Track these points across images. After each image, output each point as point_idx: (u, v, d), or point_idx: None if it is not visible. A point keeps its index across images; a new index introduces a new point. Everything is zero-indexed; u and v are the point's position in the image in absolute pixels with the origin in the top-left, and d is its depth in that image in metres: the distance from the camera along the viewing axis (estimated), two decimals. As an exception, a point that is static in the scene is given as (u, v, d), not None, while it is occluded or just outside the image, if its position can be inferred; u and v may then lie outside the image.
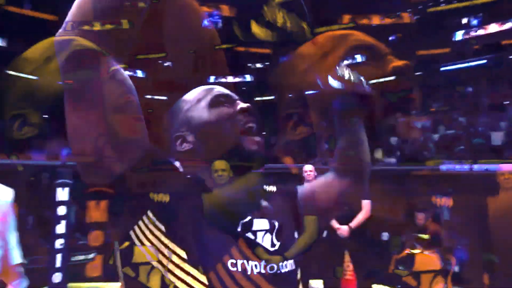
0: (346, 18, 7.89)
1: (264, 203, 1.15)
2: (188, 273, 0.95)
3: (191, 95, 1.26)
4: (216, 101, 1.22)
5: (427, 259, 3.89)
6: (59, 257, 3.24)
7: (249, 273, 0.97)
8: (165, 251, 0.98)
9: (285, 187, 1.22)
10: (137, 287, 0.96)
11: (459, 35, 8.98)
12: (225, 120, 1.19)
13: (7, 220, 2.12)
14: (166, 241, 0.99)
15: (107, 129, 1.01)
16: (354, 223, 3.24)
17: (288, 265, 1.05)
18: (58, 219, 3.21)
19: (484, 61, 8.53)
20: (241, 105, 1.21)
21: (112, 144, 1.01)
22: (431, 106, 9.00)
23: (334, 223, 3.27)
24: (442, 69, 9.81)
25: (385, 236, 5.04)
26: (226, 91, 1.28)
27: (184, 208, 1.06)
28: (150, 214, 1.01)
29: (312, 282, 3.43)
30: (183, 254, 0.97)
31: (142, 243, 0.99)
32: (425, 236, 4.01)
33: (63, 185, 3.13)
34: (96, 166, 1.01)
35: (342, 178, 1.25)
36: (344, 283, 3.33)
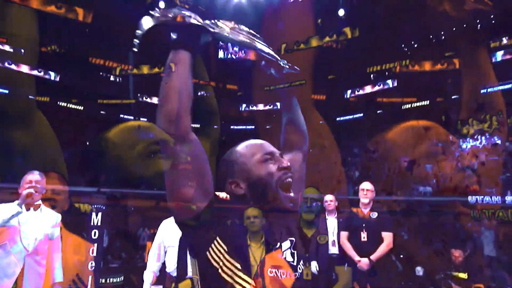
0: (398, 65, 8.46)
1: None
2: (242, 279, 1.44)
3: (245, 149, 1.71)
4: (265, 159, 1.63)
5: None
6: (90, 278, 3.42)
7: (279, 277, 1.51)
8: (227, 264, 1.45)
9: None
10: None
11: (499, 56, 8.56)
12: (270, 177, 1.60)
13: (54, 242, 2.32)
14: (227, 257, 1.45)
15: (191, 185, 1.50)
16: (375, 255, 3.10)
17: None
18: (92, 242, 3.41)
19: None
20: (283, 163, 1.64)
21: (195, 193, 1.51)
22: (470, 129, 8.52)
23: (354, 256, 3.15)
24: (482, 91, 9.34)
25: (419, 271, 4.73)
26: (272, 148, 1.73)
27: (238, 235, 1.58)
28: (218, 238, 1.49)
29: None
30: (239, 265, 1.45)
31: (214, 259, 1.47)
32: (463, 275, 3.71)
33: (96, 211, 3.34)
34: (185, 208, 1.51)
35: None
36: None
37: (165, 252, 2.69)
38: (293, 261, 1.60)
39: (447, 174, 6.33)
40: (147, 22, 1.56)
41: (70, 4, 7.38)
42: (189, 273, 2.55)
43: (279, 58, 1.79)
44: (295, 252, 1.59)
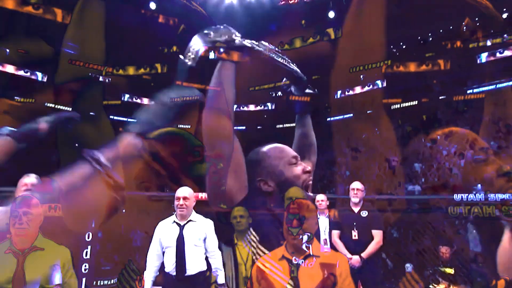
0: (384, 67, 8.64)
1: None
2: (274, 266, 1.67)
3: (273, 151, 2.10)
4: (291, 162, 1.95)
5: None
6: (83, 281, 3.41)
7: (301, 264, 1.71)
8: (260, 252, 1.77)
9: None
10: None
11: (484, 57, 8.80)
12: (297, 178, 1.92)
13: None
14: (259, 245, 1.76)
15: (228, 182, 1.78)
16: (366, 253, 3.18)
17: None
18: (85, 245, 3.40)
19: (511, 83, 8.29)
20: (307, 167, 2.01)
21: (233, 190, 1.80)
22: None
23: (346, 253, 3.22)
24: (468, 91, 9.58)
25: (408, 267, 4.84)
26: (294, 153, 2.02)
27: (269, 226, 1.89)
28: (251, 229, 1.83)
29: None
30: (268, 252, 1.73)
31: (248, 248, 1.83)
32: (450, 270, 3.83)
33: (89, 213, 3.33)
34: (223, 202, 1.84)
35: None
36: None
37: (163, 253, 2.73)
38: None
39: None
40: (199, 44, 1.80)
41: (48, 5, 7.31)
42: (217, 265, 2.74)
43: (304, 77, 2.01)
44: (310, 246, 1.78)
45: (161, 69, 9.23)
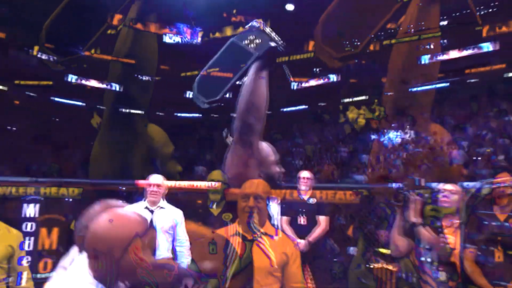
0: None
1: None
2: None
3: (266, 148, 2.24)
4: (277, 161, 2.23)
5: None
6: (25, 274, 3.21)
7: (255, 241, 1.85)
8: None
9: None
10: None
11: (425, 59, 9.58)
12: (277, 174, 2.18)
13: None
14: None
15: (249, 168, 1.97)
16: (312, 237, 3.41)
17: None
18: (26, 236, 3.20)
19: (447, 84, 9.17)
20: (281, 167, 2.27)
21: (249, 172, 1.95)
22: (401, 125, 9.46)
23: (294, 239, 3.43)
24: (410, 90, 10.40)
25: (352, 250, 5.24)
26: None
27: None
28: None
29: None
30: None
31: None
32: (386, 251, 4.22)
33: (31, 202, 3.14)
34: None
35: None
36: (304, 297, 3.45)
37: None
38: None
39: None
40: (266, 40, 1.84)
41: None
42: (184, 253, 2.84)
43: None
44: (264, 224, 1.91)
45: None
